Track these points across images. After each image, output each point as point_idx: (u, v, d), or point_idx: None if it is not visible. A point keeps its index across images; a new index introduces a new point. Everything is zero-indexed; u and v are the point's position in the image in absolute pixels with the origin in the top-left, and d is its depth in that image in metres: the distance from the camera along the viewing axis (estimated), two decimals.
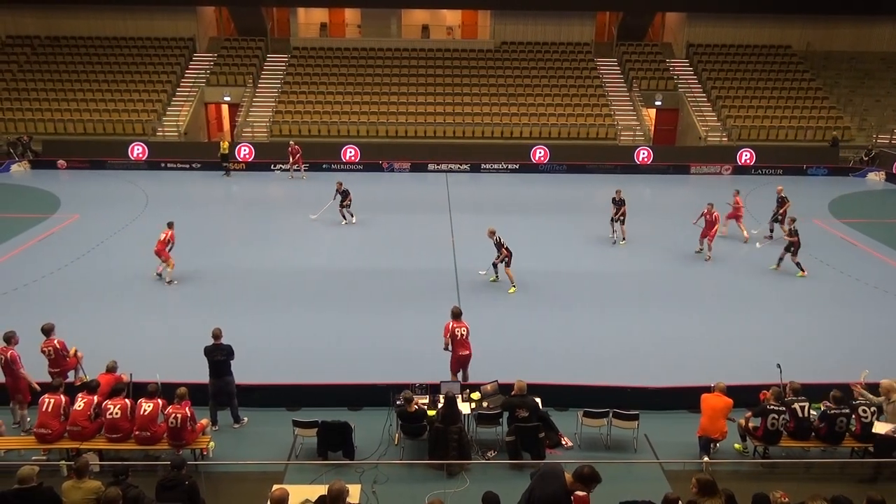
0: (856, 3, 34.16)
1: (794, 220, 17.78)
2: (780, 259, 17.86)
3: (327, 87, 33.50)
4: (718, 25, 36.20)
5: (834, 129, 31.64)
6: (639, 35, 37.55)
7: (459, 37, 38.30)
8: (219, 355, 10.65)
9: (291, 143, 27.90)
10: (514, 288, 16.53)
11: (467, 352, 11.59)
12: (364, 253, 19.15)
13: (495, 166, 29.75)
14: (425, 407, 10.31)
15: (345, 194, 21.37)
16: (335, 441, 10.05)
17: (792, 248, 17.44)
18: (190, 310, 15.22)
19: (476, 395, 10.77)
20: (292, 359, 13.09)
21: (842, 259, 19.00)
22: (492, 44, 36.41)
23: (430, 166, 29.56)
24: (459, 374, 11.82)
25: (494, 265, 16.81)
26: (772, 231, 20.54)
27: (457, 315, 11.72)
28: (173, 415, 9.48)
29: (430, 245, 19.83)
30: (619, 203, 19.89)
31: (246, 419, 11.03)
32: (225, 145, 28.19)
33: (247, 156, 29.42)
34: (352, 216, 21.71)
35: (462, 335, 11.54)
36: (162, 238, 16.37)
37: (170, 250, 16.41)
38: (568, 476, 6.84)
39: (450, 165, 29.61)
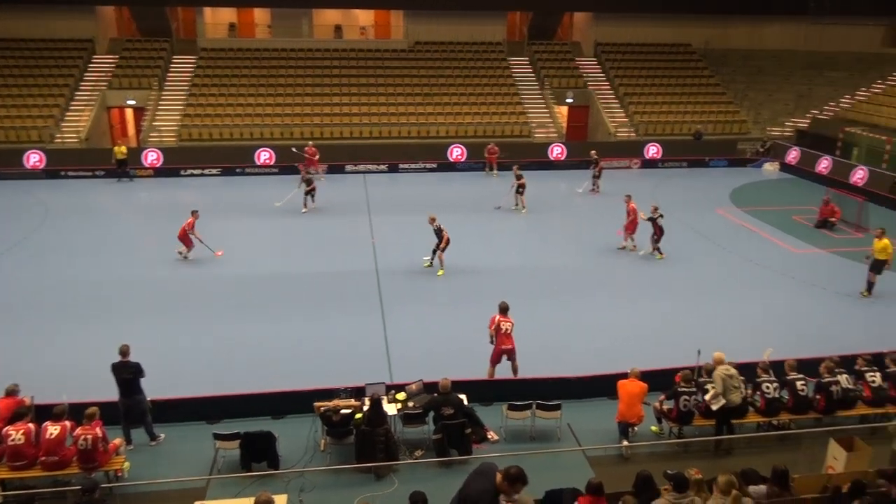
0: (749, 4, 36.21)
1: (656, 209, 18.43)
2: (656, 248, 18.61)
3: (238, 89, 32.60)
4: (624, 25, 37.51)
5: (698, 123, 33.24)
6: (549, 34, 38.46)
7: (373, 37, 38.10)
8: (125, 373, 10.17)
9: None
10: (442, 271, 17.33)
11: (510, 346, 11.95)
12: (282, 257, 18.77)
13: (413, 166, 29.79)
14: (350, 411, 10.22)
15: (309, 182, 22.79)
16: (258, 451, 9.82)
17: (654, 235, 18.36)
18: (97, 325, 14.45)
19: (401, 396, 10.76)
20: (210, 370, 12.69)
21: (744, 245, 20.11)
22: (405, 44, 36.41)
23: (348, 167, 29.30)
24: (498, 367, 12.16)
25: (434, 251, 17.44)
26: (593, 189, 25.79)
27: (504, 310, 12.05)
28: (83, 436, 9.01)
29: (351, 247, 19.65)
30: (517, 177, 23.21)
31: (163, 436, 10.61)
32: (122, 150, 26.98)
33: (154, 161, 28.27)
34: (313, 202, 23.11)
35: (506, 329, 11.90)
36: (184, 224, 18.01)
37: (191, 235, 18.04)
38: (499, 475, 6.88)
39: (367, 166, 29.44)
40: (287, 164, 28.24)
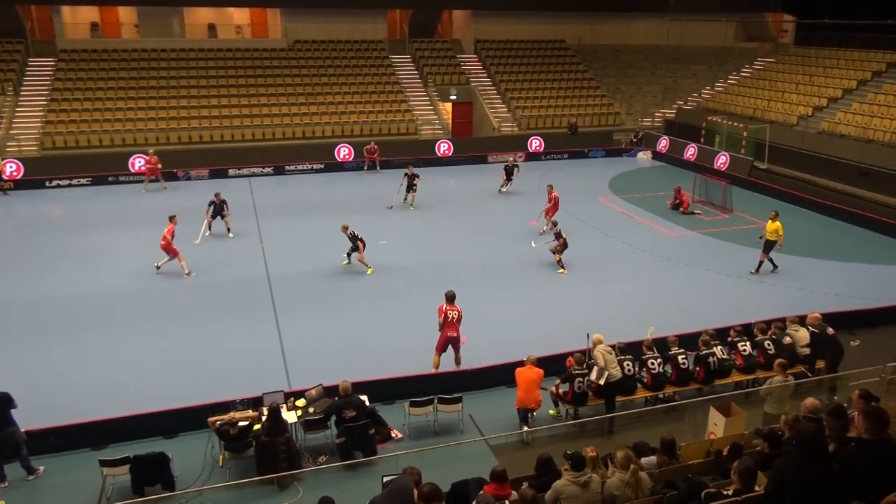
0: (615, 2, 38.16)
1: (555, 224, 18.54)
2: (560, 261, 18.09)
3: (105, 93, 30.61)
4: (501, 22, 38.44)
5: (572, 117, 34.64)
6: (429, 32, 38.79)
7: (250, 36, 36.94)
8: None
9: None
10: (370, 269, 17.43)
11: (455, 334, 12.06)
12: (169, 269, 17.82)
13: (300, 167, 29.18)
14: (248, 423, 9.90)
15: (222, 205, 20.40)
16: (151, 474, 9.31)
17: (559, 247, 18.20)
18: None
19: (301, 402, 10.54)
20: (92, 392, 11.88)
21: (624, 231, 21.20)
22: (284, 42, 35.55)
23: (231, 171, 28.26)
24: (443, 357, 12.23)
25: (348, 254, 17.72)
26: (504, 189, 25.67)
27: (450, 299, 12.21)
28: None
29: (239, 253, 18.99)
30: (410, 177, 23.35)
31: (42, 468, 9.84)
32: None
33: (14, 173, 26.04)
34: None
35: (453, 318, 12.02)
36: (165, 232, 16.95)
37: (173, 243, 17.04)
38: (416, 494, 6.85)
39: (252, 169, 28.53)
40: (164, 171, 26.79)
